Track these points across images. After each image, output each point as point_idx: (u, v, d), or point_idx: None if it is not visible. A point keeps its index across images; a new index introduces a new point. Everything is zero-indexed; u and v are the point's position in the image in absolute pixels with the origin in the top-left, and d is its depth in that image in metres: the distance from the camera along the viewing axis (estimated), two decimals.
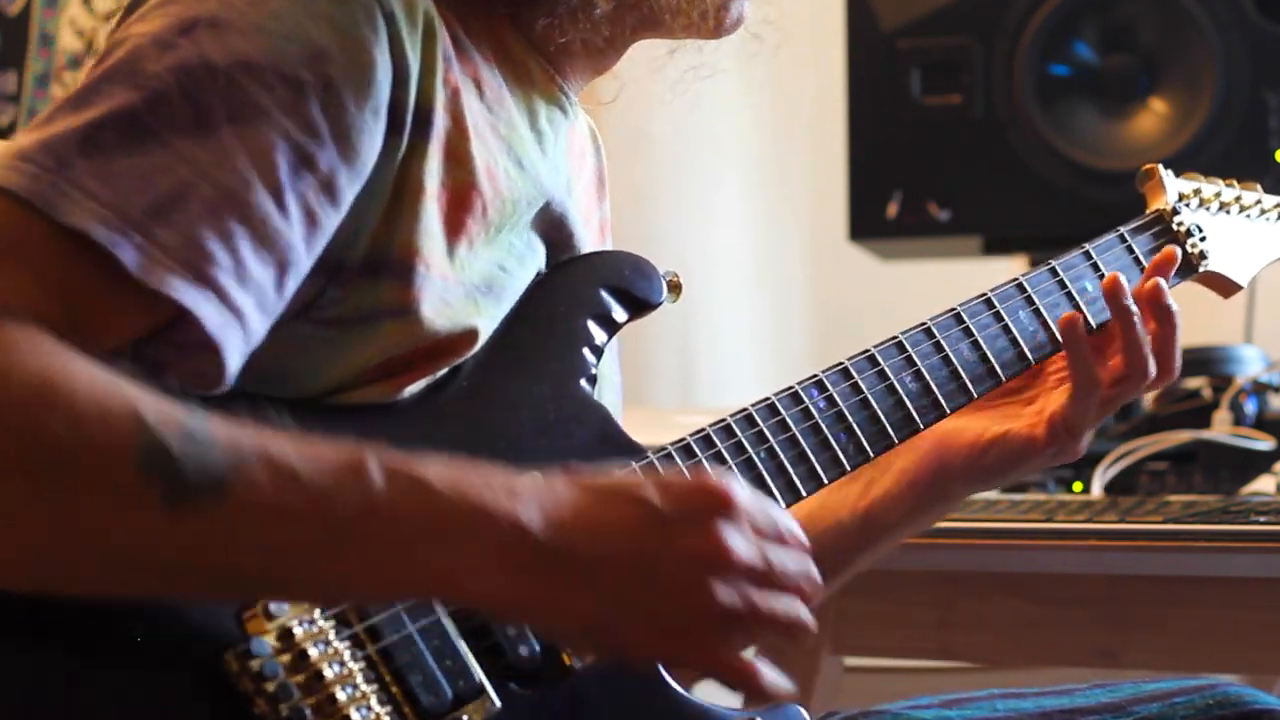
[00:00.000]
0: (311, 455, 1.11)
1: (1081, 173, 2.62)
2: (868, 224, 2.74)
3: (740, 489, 1.16)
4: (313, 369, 1.25)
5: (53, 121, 1.18)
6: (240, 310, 1.17)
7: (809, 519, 1.50)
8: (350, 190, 1.22)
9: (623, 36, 1.41)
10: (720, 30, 1.42)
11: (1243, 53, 2.56)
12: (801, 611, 1.18)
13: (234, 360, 1.17)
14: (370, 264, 1.24)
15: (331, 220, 1.21)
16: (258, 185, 1.18)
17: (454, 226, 1.28)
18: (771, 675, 1.18)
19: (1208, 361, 2.44)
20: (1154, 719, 1.51)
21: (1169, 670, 1.95)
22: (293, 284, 1.20)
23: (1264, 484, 2.24)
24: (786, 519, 1.20)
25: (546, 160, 1.37)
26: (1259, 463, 2.27)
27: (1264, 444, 2.27)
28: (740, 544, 1.15)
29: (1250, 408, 2.33)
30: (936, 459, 1.53)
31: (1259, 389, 2.34)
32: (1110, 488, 2.23)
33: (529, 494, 1.13)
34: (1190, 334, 2.45)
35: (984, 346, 1.48)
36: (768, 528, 1.17)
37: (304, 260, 1.21)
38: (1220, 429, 2.29)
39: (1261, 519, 1.81)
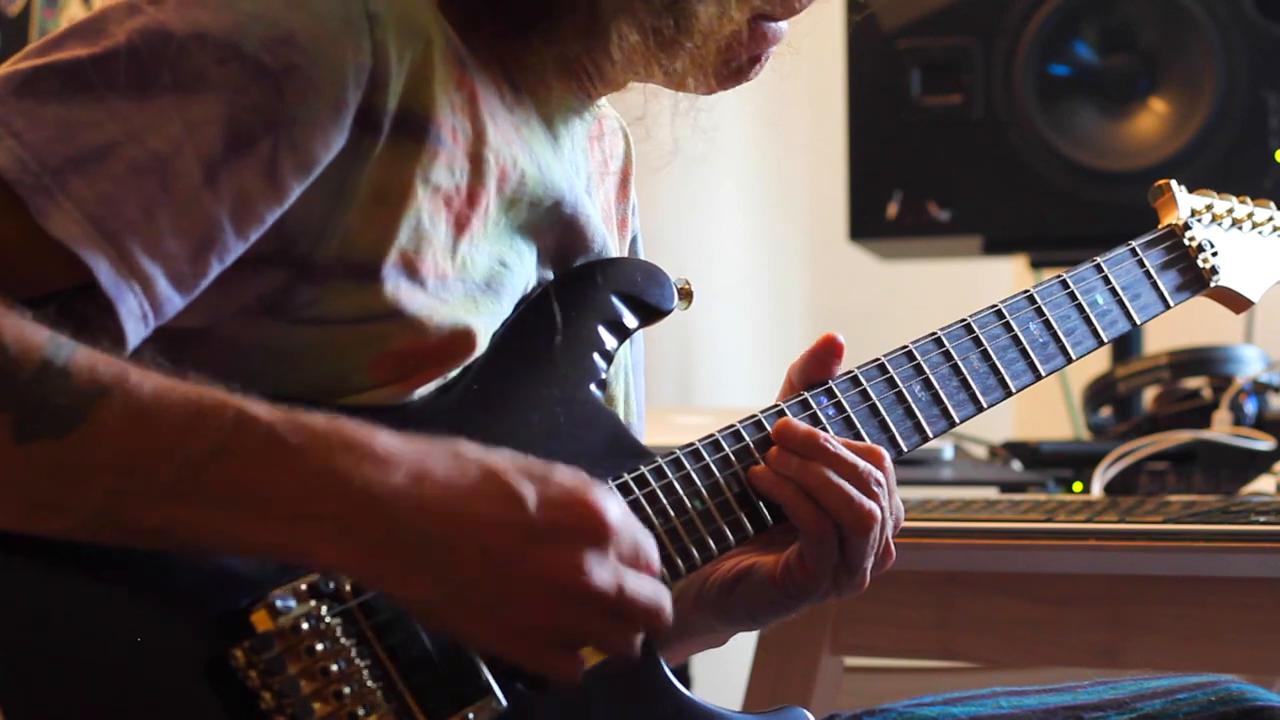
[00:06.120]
0: (168, 399, 1.11)
1: (1081, 173, 2.62)
2: (868, 224, 2.74)
3: (614, 510, 1.15)
4: (309, 365, 1.24)
5: (12, 65, 1.19)
6: (145, 275, 1.16)
7: None
8: (295, 181, 1.20)
9: (639, 78, 1.41)
10: (724, 89, 1.40)
11: (1243, 53, 2.57)
12: (635, 643, 1.16)
13: (131, 324, 1.17)
14: (352, 267, 1.23)
15: (270, 208, 1.20)
16: (189, 155, 1.17)
17: (460, 224, 1.28)
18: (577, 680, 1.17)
19: (1208, 361, 2.44)
20: (1157, 715, 1.50)
21: (1169, 670, 1.95)
22: (216, 263, 1.19)
23: (1264, 484, 2.24)
24: (648, 544, 1.18)
25: (561, 163, 1.37)
26: (1259, 463, 2.27)
27: (1264, 444, 2.27)
28: (599, 574, 1.13)
29: (1250, 408, 2.33)
30: (697, 582, 1.46)
31: (1259, 389, 2.34)
32: (1110, 488, 2.23)
33: (393, 461, 1.12)
34: (1190, 334, 2.47)
35: (994, 357, 1.48)
36: (629, 553, 1.16)
37: (232, 241, 1.19)
38: (1220, 429, 2.29)
39: (1261, 519, 1.81)
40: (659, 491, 1.31)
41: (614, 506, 1.15)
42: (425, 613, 1.15)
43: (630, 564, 1.16)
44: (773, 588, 1.39)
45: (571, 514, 1.14)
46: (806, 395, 1.39)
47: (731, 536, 1.33)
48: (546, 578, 1.12)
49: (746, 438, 1.35)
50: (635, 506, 1.29)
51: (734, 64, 1.38)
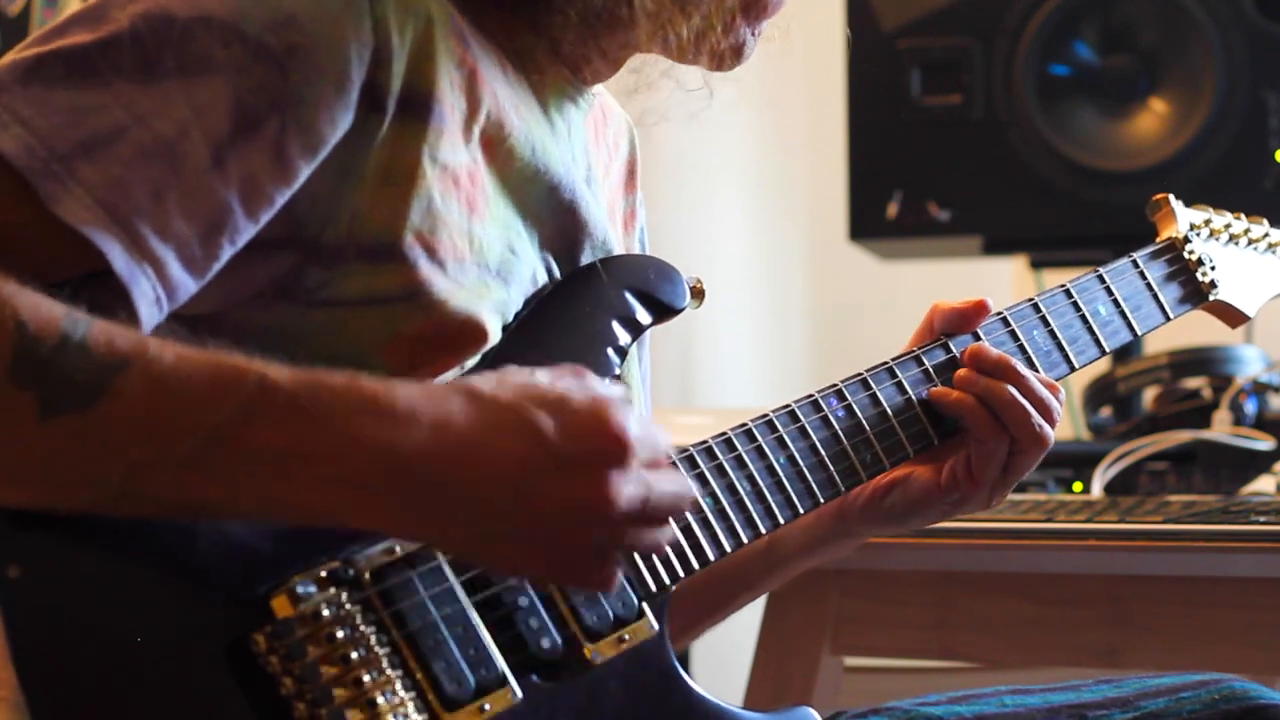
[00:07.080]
0: (188, 369, 1.11)
1: (1081, 173, 2.62)
2: (868, 224, 2.74)
3: (633, 424, 1.15)
4: (322, 349, 1.24)
5: (17, 53, 1.19)
6: (157, 258, 1.17)
7: None
8: (303, 161, 1.21)
9: (636, 51, 1.42)
10: (729, 67, 1.42)
11: (1243, 53, 2.57)
12: (665, 537, 1.19)
13: (145, 307, 1.17)
14: (364, 249, 1.24)
15: (279, 188, 1.21)
16: (196, 138, 1.18)
17: (471, 204, 1.29)
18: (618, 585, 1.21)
19: (1208, 361, 2.44)
20: (1160, 714, 1.51)
21: (1169, 670, 1.95)
22: (227, 245, 1.20)
23: (1264, 484, 2.24)
24: (664, 441, 1.18)
25: (558, 147, 1.38)
26: (1259, 463, 2.27)
27: (1264, 444, 2.27)
28: (626, 492, 1.14)
29: (1250, 408, 2.33)
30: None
31: (1259, 389, 2.34)
32: (1110, 488, 2.23)
33: (414, 416, 1.12)
34: (1190, 334, 2.47)
35: None
36: (649, 457, 1.16)
37: (242, 223, 1.20)
38: (1220, 429, 2.29)
39: (1261, 519, 1.81)
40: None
41: (632, 420, 1.15)
42: (467, 556, 1.18)
43: (652, 467, 1.16)
44: (935, 494, 1.49)
45: (592, 439, 1.14)
46: (817, 396, 1.42)
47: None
48: (577, 506, 1.13)
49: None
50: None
51: (729, 42, 1.38)
